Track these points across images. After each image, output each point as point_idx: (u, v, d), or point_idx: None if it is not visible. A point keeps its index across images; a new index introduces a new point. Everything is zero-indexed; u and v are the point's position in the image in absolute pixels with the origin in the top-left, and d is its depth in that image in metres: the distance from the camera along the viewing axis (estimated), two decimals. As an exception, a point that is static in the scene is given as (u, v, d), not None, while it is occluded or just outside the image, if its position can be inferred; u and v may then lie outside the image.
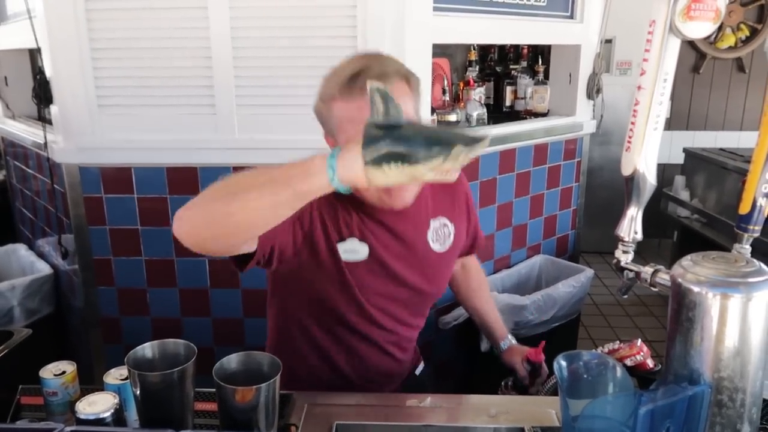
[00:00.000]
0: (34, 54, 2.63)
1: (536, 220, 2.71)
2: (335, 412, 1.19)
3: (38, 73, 2.18)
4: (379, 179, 0.78)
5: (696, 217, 3.60)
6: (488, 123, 2.61)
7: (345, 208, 1.18)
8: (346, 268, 1.19)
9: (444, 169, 0.76)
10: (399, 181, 0.79)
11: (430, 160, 0.75)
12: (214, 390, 1.00)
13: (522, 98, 2.91)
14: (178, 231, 0.96)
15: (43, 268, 2.57)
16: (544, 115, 2.74)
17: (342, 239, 1.18)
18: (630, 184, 0.93)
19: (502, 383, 1.49)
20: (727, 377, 0.77)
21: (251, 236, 1.00)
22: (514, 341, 1.50)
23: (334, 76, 1.09)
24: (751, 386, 0.78)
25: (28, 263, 2.69)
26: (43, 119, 2.25)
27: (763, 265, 0.79)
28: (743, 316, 0.76)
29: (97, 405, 0.99)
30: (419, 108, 1.13)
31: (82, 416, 0.97)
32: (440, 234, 1.29)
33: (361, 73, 1.04)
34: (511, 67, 3.21)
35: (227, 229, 0.93)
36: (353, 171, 0.78)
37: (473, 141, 0.75)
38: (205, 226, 0.94)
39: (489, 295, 1.60)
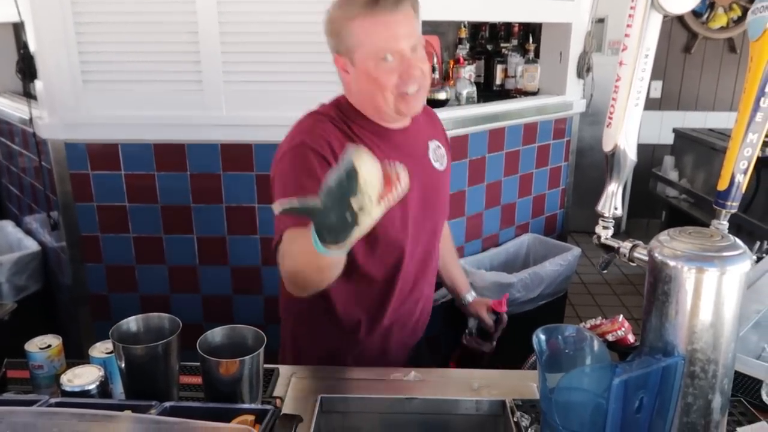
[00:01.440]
0: (17, 28, 2.58)
1: (525, 199, 2.72)
2: (320, 385, 1.20)
3: (22, 47, 2.15)
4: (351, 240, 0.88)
5: (684, 197, 3.63)
6: (478, 101, 2.60)
7: (363, 138, 1.24)
8: None
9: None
10: (359, 233, 0.87)
11: (357, 213, 0.82)
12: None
13: (512, 77, 2.90)
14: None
15: (31, 245, 2.56)
16: (534, 93, 2.74)
17: None
18: (611, 160, 0.93)
19: (466, 332, 1.62)
20: (700, 349, 0.79)
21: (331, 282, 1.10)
22: (475, 294, 1.61)
23: None
24: (723, 358, 0.80)
25: (15, 240, 2.68)
26: (28, 95, 2.23)
27: (737, 240, 0.80)
28: (717, 290, 0.77)
29: (82, 378, 1.00)
30: (419, 25, 1.24)
31: (67, 389, 0.98)
32: (438, 154, 1.39)
33: None
34: (502, 45, 3.19)
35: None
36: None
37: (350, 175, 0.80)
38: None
39: (455, 252, 1.67)
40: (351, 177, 0.79)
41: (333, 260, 0.96)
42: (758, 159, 0.90)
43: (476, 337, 1.60)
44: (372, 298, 1.34)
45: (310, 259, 0.96)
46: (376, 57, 1.16)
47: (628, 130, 0.90)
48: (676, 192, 3.70)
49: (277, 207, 0.85)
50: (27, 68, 2.15)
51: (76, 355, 1.22)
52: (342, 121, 1.25)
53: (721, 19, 4.26)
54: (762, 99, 0.83)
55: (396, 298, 1.36)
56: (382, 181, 0.83)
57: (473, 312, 1.59)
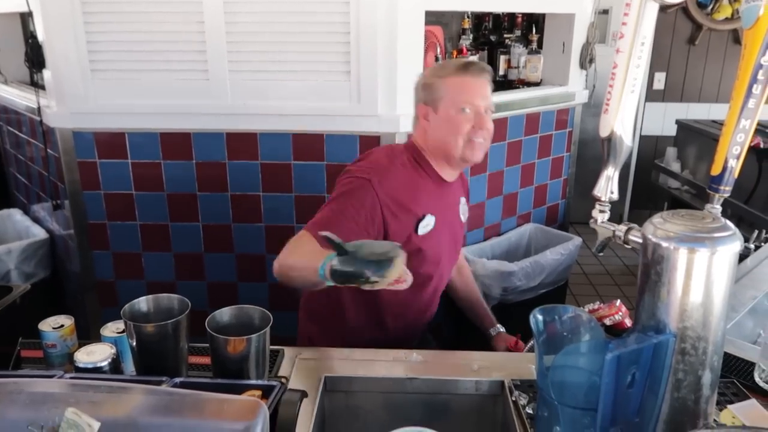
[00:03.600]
0: (25, 18, 2.61)
1: (527, 189, 2.74)
2: (324, 365, 1.24)
3: (30, 37, 2.18)
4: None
5: (686, 188, 3.64)
6: (481, 92, 2.62)
7: (425, 186, 1.47)
8: (421, 240, 1.44)
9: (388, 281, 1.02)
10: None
11: (369, 282, 1.01)
12: (207, 345, 1.05)
13: (515, 67, 2.91)
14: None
15: (39, 233, 2.60)
16: (537, 84, 2.75)
17: (422, 218, 1.44)
18: (607, 145, 0.96)
19: None
20: (691, 327, 0.82)
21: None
22: (501, 329, 1.71)
23: (449, 63, 1.60)
24: (713, 336, 0.83)
25: (23, 228, 2.72)
26: (36, 84, 2.26)
27: (728, 222, 0.83)
28: (708, 270, 0.80)
29: (95, 354, 1.03)
30: (491, 90, 1.48)
31: (80, 365, 1.01)
32: (463, 210, 1.65)
33: (473, 63, 1.49)
34: (505, 35, 3.20)
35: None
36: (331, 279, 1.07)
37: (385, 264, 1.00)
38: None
39: (478, 290, 1.84)
40: (386, 260, 1.00)
41: (323, 283, 1.11)
42: (760, 150, 0.92)
43: None
44: (382, 309, 1.48)
45: (307, 267, 1.14)
46: (457, 107, 1.41)
47: (624, 116, 0.93)
48: (678, 183, 3.71)
49: (323, 232, 1.03)
50: (35, 58, 2.18)
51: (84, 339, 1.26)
52: (412, 168, 1.47)
53: (725, 10, 4.26)
54: (754, 86, 0.85)
55: (406, 310, 1.52)
56: (397, 275, 1.03)
57: (494, 347, 1.69)
